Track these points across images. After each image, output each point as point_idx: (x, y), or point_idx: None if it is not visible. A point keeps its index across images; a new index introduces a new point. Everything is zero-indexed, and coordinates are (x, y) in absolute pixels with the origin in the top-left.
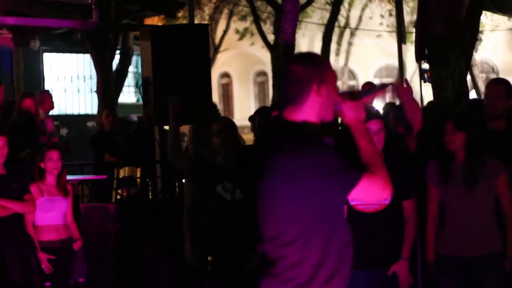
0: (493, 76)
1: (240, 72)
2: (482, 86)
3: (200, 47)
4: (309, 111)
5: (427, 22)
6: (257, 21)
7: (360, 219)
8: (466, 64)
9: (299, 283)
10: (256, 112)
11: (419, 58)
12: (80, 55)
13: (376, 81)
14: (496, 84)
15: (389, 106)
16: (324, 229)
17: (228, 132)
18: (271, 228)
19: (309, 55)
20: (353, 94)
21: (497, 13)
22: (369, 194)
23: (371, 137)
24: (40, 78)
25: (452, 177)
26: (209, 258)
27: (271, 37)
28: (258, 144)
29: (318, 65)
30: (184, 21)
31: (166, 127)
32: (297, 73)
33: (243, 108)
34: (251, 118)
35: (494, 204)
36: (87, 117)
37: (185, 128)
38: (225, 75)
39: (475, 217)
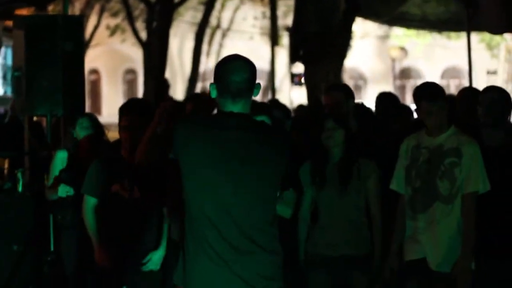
0: (360, 82)
1: (109, 69)
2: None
3: (74, 39)
4: None
5: (302, 23)
6: (129, 17)
7: None
8: (340, 66)
9: None
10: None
11: (293, 59)
12: None
13: None
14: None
15: None
16: None
17: None
18: None
19: None
20: None
21: (370, 19)
22: None
23: None
24: None
25: (326, 177)
26: None
27: (143, 34)
28: None
29: None
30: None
31: (36, 118)
32: None
33: (111, 106)
34: None
35: (365, 205)
36: None
37: None
38: (94, 71)
39: (346, 217)
